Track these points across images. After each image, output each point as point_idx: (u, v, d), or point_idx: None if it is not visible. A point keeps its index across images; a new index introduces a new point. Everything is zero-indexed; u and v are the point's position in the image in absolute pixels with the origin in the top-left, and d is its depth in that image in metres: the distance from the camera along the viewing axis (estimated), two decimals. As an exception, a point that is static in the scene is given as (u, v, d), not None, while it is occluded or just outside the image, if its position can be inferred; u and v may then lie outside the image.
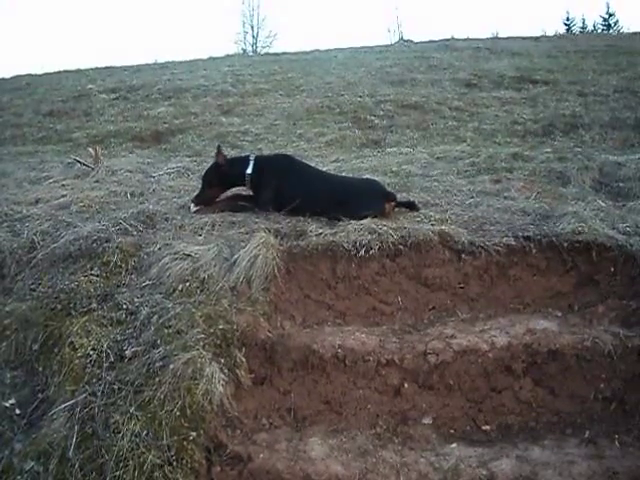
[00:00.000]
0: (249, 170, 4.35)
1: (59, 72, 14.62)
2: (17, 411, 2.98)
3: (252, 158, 4.44)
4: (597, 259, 3.58)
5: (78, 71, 14.51)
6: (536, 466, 2.65)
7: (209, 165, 4.63)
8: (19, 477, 2.68)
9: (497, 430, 2.98)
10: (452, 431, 2.99)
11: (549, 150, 6.07)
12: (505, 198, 4.52)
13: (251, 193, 4.44)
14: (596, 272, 3.59)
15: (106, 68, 14.73)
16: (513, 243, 3.64)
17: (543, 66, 10.65)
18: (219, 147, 4.60)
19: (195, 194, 4.54)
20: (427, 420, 3.03)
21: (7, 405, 3.00)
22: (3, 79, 14.07)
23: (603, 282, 3.56)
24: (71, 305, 3.36)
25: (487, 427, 3.00)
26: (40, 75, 14.28)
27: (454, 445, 2.85)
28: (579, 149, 6.04)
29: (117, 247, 3.72)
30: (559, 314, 3.42)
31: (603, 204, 4.29)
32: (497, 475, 2.62)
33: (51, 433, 2.77)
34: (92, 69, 14.67)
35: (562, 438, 2.86)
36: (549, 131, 7.18)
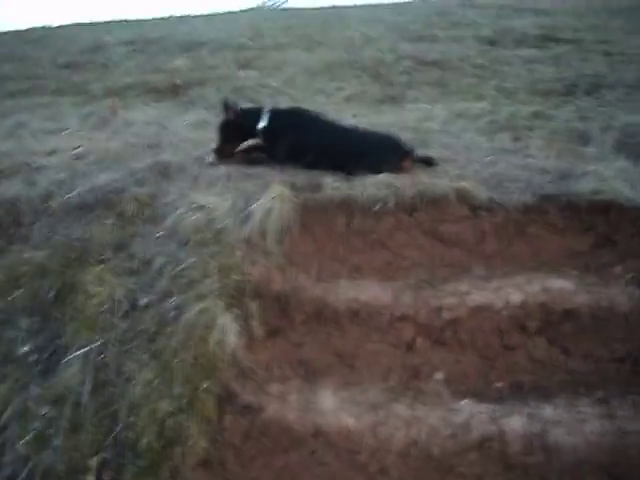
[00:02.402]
0: (263, 123, 4.30)
1: (75, 25, 14.47)
2: (33, 357, 3.01)
3: (266, 111, 4.38)
4: (616, 219, 3.53)
5: (93, 24, 14.36)
6: (547, 424, 2.65)
7: (221, 119, 4.57)
8: (35, 421, 2.72)
9: (509, 388, 2.96)
10: (464, 387, 2.97)
11: (571, 109, 5.94)
12: (525, 156, 4.43)
13: (265, 145, 4.39)
14: (614, 233, 3.53)
15: (123, 21, 14.59)
16: (531, 201, 3.60)
17: (568, 25, 10.40)
18: (225, 103, 4.54)
19: (213, 147, 4.49)
20: (439, 376, 3.02)
21: (23, 351, 3.03)
22: (18, 31, 13.94)
23: (621, 243, 3.51)
24: (86, 254, 3.37)
25: (499, 385, 2.99)
26: (55, 28, 14.15)
27: (465, 401, 2.84)
28: (602, 109, 5.90)
29: (132, 197, 3.71)
30: (576, 274, 3.37)
31: (624, 165, 4.21)
32: (507, 432, 2.63)
33: (66, 379, 2.80)
34: (108, 22, 14.53)
35: (574, 397, 2.84)
36: (572, 91, 7.02)
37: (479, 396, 2.90)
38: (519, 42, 9.49)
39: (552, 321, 3.08)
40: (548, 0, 14.13)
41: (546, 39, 9.55)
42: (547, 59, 8.53)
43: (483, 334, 3.09)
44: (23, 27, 14.26)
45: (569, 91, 7.02)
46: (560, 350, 3.07)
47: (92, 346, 2.89)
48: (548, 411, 2.74)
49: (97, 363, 2.84)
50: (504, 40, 9.59)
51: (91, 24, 14.35)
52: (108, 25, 13.80)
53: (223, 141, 4.46)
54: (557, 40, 9.46)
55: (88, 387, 2.76)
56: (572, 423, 2.64)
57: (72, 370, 2.83)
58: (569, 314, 3.07)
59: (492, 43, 9.49)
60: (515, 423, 2.67)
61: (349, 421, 2.72)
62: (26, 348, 3.04)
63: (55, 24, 14.52)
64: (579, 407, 2.75)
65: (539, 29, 10.11)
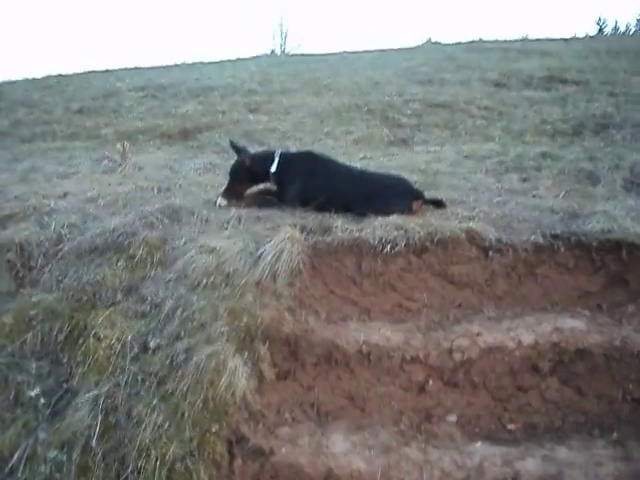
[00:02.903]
0: (274, 167, 4.35)
1: (88, 72, 14.75)
2: (42, 400, 3.01)
3: (277, 155, 4.43)
4: (627, 258, 3.51)
5: (107, 71, 14.64)
6: (562, 466, 2.61)
7: (234, 162, 4.62)
8: (43, 465, 2.72)
9: (523, 429, 2.93)
10: (477, 430, 2.94)
11: (579, 150, 5.99)
12: (533, 196, 4.46)
13: (276, 189, 4.44)
14: (626, 271, 3.51)
15: (135, 68, 14.86)
16: (541, 241, 3.59)
17: (573, 66, 10.51)
18: (234, 146, 4.65)
19: (223, 189, 4.53)
20: (452, 418, 2.99)
21: (32, 395, 3.03)
22: (35, 79, 14.21)
23: (633, 282, 3.49)
24: (96, 297, 3.39)
25: (512, 426, 2.95)
26: (70, 75, 14.42)
27: (479, 444, 2.81)
28: (609, 149, 5.94)
29: (143, 240, 3.71)
30: (587, 313, 3.35)
31: (634, 203, 4.21)
32: (522, 474, 2.59)
33: (75, 423, 2.80)
34: (121, 69, 14.81)
35: (589, 439, 2.81)
36: (579, 131, 7.09)
37: (492, 438, 2.87)
38: (526, 84, 9.59)
39: (565, 361, 3.06)
40: (553, 43, 14.31)
41: (552, 80, 9.65)
42: (554, 100, 8.61)
43: (495, 375, 3.06)
44: (39, 75, 14.58)
45: (576, 131, 7.08)
46: (573, 390, 3.04)
47: (101, 389, 2.89)
48: (563, 453, 2.70)
49: (106, 406, 2.84)
50: (511, 82, 9.70)
51: (104, 71, 14.62)
52: (120, 72, 14.04)
53: (234, 184, 4.50)
54: (563, 81, 9.56)
55: (97, 431, 2.75)
56: (587, 465, 2.61)
57: (81, 413, 2.83)
58: (582, 354, 3.04)
59: (499, 85, 9.60)
60: (530, 465, 2.63)
61: (360, 464, 2.68)
62: (35, 391, 3.04)
63: (70, 72, 14.83)
64: (594, 449, 2.72)
65: (545, 71, 10.22)
